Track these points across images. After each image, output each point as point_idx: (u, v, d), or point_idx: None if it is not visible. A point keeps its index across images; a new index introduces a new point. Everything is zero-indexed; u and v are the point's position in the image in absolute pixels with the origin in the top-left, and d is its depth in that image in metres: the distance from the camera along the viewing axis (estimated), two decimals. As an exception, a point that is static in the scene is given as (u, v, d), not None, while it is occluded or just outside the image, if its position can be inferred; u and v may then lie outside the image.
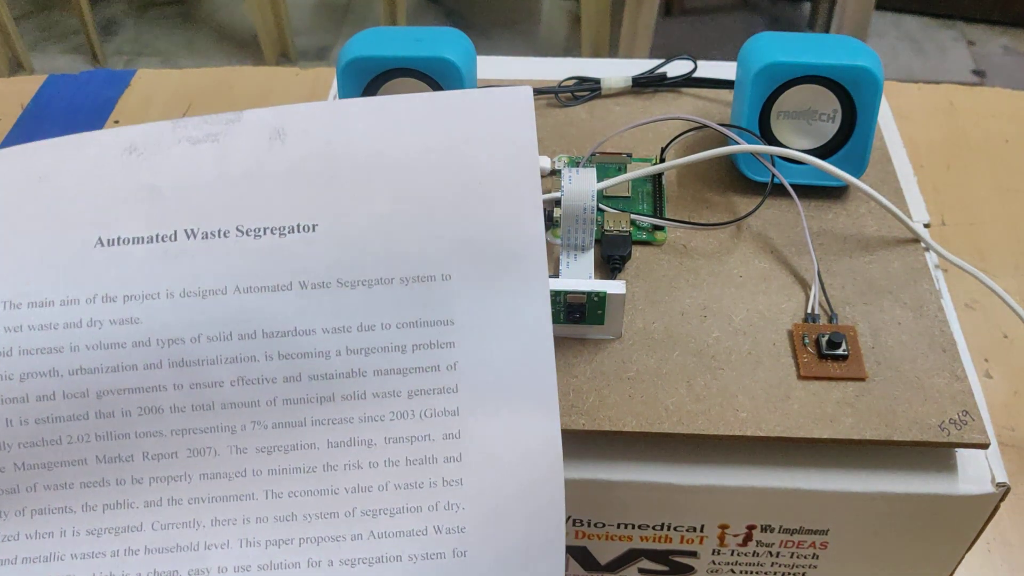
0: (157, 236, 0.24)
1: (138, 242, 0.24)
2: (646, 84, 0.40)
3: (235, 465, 0.24)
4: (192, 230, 0.24)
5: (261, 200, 0.25)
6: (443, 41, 0.33)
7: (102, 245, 0.24)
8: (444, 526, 0.24)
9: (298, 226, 0.24)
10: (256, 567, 0.24)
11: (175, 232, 0.24)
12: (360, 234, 0.24)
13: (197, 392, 0.24)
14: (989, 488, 0.27)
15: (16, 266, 0.24)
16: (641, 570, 0.31)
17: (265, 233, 0.24)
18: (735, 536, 0.29)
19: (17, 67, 1.49)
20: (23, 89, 0.57)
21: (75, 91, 0.56)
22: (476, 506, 0.24)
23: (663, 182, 0.35)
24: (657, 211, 0.34)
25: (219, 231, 0.24)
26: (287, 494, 0.24)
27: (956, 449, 0.27)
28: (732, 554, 0.30)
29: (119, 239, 0.24)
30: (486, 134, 0.25)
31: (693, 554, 0.30)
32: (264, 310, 0.24)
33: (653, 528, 0.29)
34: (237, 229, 0.24)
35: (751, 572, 0.30)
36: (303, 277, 0.24)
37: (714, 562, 0.30)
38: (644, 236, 0.32)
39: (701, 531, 0.29)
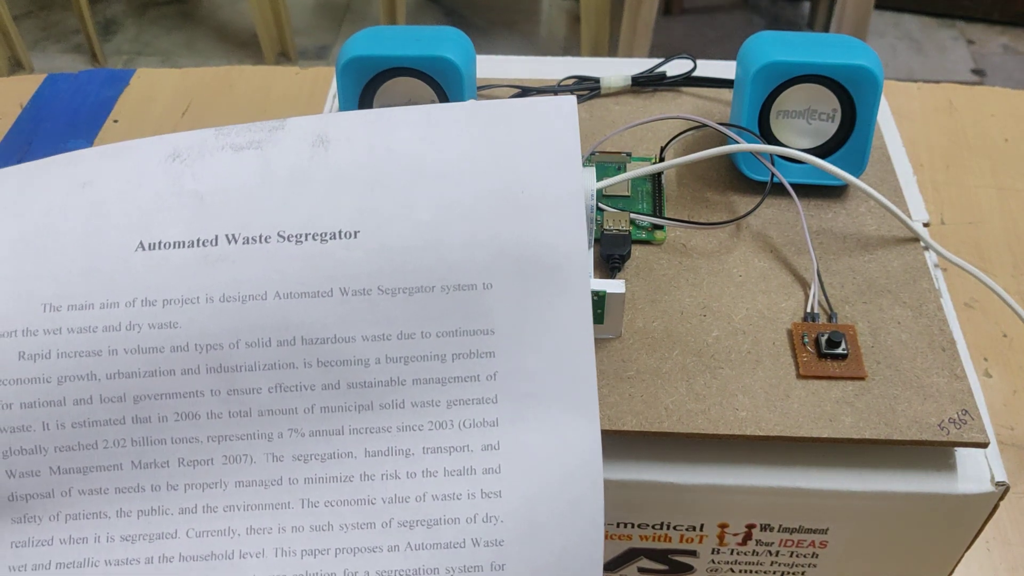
0: (198, 241, 0.24)
1: (179, 246, 0.24)
2: (645, 83, 0.40)
3: (271, 473, 0.24)
4: (233, 235, 0.24)
5: (303, 206, 0.24)
6: (443, 40, 0.33)
7: (143, 249, 0.24)
8: (482, 538, 0.23)
9: (340, 232, 0.24)
10: None
11: (216, 237, 0.24)
12: (402, 242, 0.24)
13: (234, 398, 0.24)
14: (988, 487, 0.27)
15: (57, 268, 0.24)
16: (641, 569, 0.31)
17: (306, 239, 0.24)
18: (735, 535, 0.29)
19: (16, 66, 1.49)
20: (22, 88, 0.57)
21: (74, 90, 0.56)
22: (515, 519, 0.24)
23: (662, 181, 0.35)
24: (656, 210, 0.34)
25: (260, 236, 0.24)
26: (323, 503, 0.24)
27: (955, 448, 0.27)
28: (732, 553, 0.30)
29: (160, 243, 0.24)
30: (529, 143, 0.25)
31: (693, 553, 0.30)
32: (304, 316, 0.24)
33: (653, 527, 0.29)
34: (278, 235, 0.24)
35: (751, 571, 0.30)
36: (344, 284, 0.24)
37: (713, 561, 0.30)
38: (643, 235, 0.32)
39: (701, 530, 0.29)
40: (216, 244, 0.24)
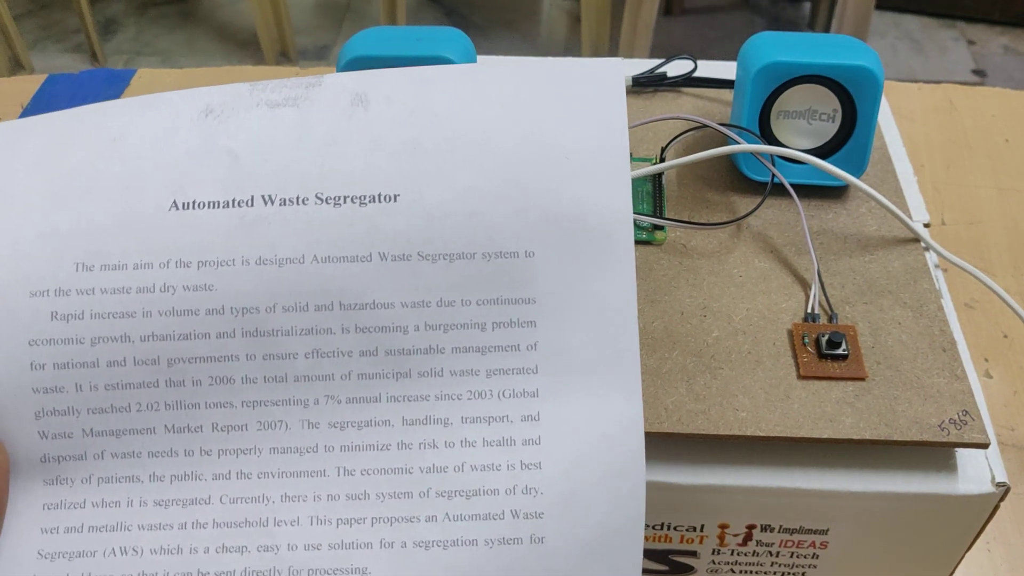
0: (233, 201, 0.24)
1: (214, 207, 0.24)
2: (646, 84, 0.39)
3: (307, 440, 0.24)
4: (270, 196, 0.24)
5: (342, 167, 0.24)
6: (443, 41, 0.33)
7: (177, 208, 0.24)
8: (522, 511, 0.23)
9: (379, 195, 0.23)
10: (327, 546, 0.23)
11: (252, 197, 0.24)
12: (442, 206, 0.23)
13: (270, 363, 0.23)
14: (989, 488, 0.27)
15: (90, 227, 0.24)
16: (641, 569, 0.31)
17: (345, 202, 0.23)
18: (735, 536, 0.29)
19: (17, 66, 1.49)
20: (23, 88, 0.57)
21: (75, 90, 0.56)
22: (555, 491, 0.23)
23: (663, 182, 0.35)
24: (657, 211, 0.34)
25: (298, 198, 0.24)
26: (360, 471, 0.23)
27: (956, 449, 0.27)
28: (732, 554, 0.30)
29: (194, 203, 0.24)
30: (575, 107, 0.24)
31: (693, 554, 0.30)
32: (342, 281, 0.23)
33: (653, 528, 0.29)
34: (316, 196, 0.23)
35: (751, 572, 0.30)
36: (383, 248, 0.23)
37: (714, 562, 0.30)
38: (644, 236, 0.32)
39: (701, 531, 0.29)
40: (252, 205, 0.23)
